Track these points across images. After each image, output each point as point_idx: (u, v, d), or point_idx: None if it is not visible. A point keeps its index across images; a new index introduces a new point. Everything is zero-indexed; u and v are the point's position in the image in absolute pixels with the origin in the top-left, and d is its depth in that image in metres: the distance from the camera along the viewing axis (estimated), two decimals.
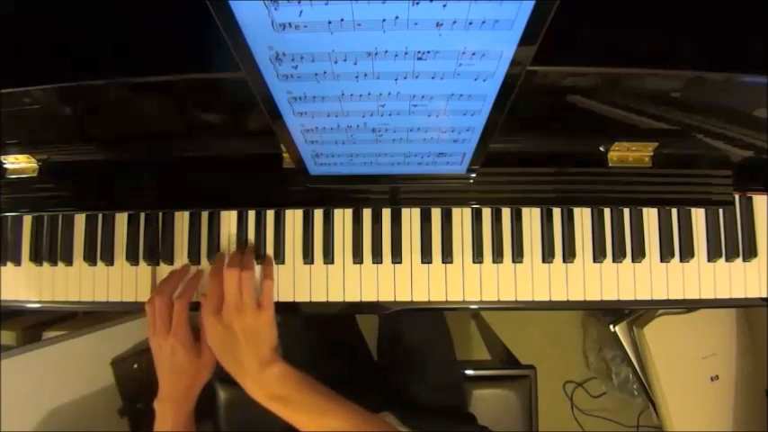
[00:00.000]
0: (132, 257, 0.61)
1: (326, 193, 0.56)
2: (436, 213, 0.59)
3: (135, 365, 0.96)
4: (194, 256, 0.60)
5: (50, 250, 0.62)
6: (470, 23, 0.27)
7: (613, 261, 0.58)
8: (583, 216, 0.59)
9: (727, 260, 0.59)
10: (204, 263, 0.60)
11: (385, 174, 0.50)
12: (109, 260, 0.61)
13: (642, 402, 1.28)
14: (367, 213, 0.59)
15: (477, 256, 0.58)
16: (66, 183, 0.59)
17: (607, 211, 0.59)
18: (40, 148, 0.58)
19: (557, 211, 0.59)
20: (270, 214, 0.60)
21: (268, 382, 0.51)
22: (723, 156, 0.56)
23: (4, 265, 0.63)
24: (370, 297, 0.59)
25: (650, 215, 0.59)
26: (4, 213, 0.60)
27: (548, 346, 1.35)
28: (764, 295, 0.58)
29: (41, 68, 0.45)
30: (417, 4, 0.25)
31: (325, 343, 0.79)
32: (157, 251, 0.61)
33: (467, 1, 0.25)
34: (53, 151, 0.59)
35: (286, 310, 0.59)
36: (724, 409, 1.06)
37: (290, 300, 0.59)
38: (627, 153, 0.56)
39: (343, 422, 0.49)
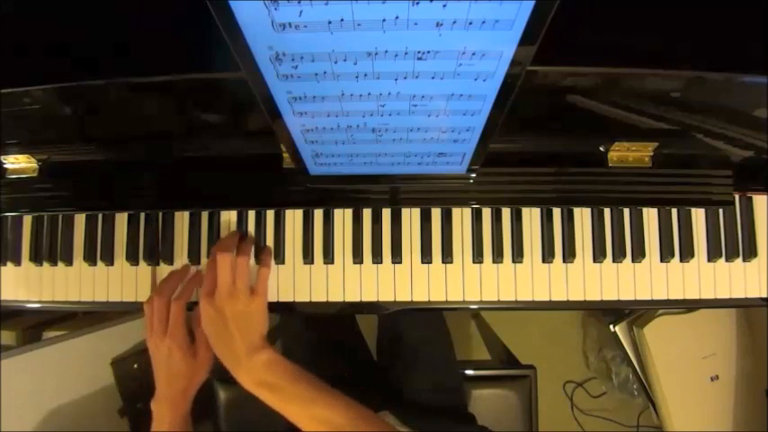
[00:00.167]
0: (132, 257, 0.61)
1: (326, 193, 0.56)
2: (436, 213, 0.59)
3: (135, 365, 0.96)
4: (194, 257, 0.60)
5: (50, 250, 0.62)
6: (470, 23, 0.27)
7: (613, 261, 0.58)
8: (583, 216, 0.59)
9: (727, 260, 0.59)
10: (204, 263, 0.60)
11: (385, 174, 0.50)
12: (109, 260, 0.61)
13: (642, 402, 1.28)
14: (367, 213, 0.59)
15: (477, 256, 0.58)
16: (66, 183, 0.59)
17: (607, 211, 0.59)
18: (40, 148, 0.58)
19: (557, 211, 0.59)
20: (270, 214, 0.60)
21: (255, 369, 0.51)
22: (723, 156, 0.56)
23: (4, 265, 0.63)
24: (369, 297, 0.59)
25: (650, 215, 0.59)
26: (4, 213, 0.60)
27: (548, 346, 1.35)
28: (764, 295, 0.58)
29: (41, 68, 0.45)
30: (417, 4, 0.25)
31: (325, 343, 0.79)
32: (157, 251, 0.61)
33: (467, 1, 0.25)
34: (53, 151, 0.59)
35: (286, 310, 0.59)
36: (724, 409, 1.06)
37: (290, 300, 0.59)
38: (627, 153, 0.56)
39: (332, 412, 0.48)
